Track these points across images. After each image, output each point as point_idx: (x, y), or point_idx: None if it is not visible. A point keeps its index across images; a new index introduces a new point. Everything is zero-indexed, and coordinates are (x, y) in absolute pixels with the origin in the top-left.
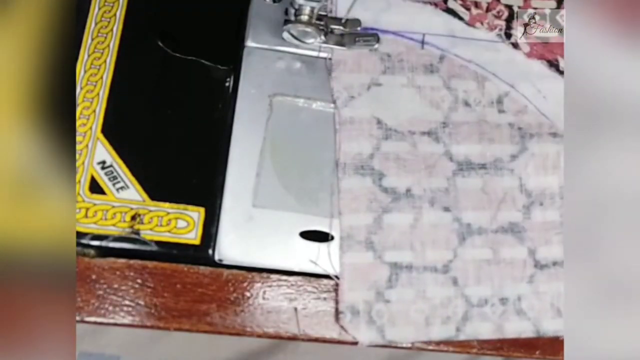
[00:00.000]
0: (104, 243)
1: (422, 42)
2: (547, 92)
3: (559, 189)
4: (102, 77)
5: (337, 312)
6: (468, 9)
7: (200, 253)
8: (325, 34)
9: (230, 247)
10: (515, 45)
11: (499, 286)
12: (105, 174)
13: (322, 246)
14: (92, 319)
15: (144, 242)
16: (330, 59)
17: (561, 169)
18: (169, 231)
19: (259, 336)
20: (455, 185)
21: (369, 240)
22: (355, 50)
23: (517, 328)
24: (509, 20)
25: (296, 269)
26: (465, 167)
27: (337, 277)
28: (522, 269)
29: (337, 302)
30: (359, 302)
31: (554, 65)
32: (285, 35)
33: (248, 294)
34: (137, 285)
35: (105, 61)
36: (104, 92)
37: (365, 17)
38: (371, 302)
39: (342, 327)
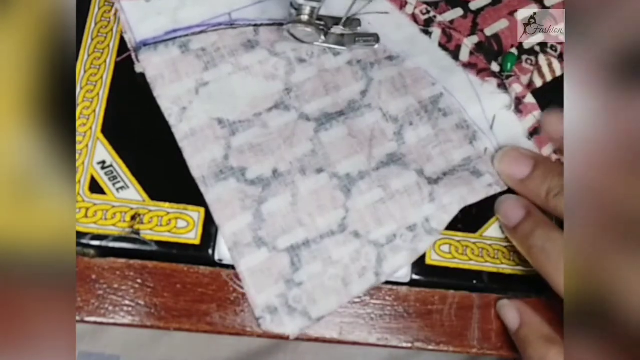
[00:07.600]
0: (104, 243)
1: (231, 23)
2: (370, 18)
3: (419, 104)
4: (102, 77)
5: (257, 320)
6: None
7: (200, 253)
8: (325, 34)
9: None
10: None
11: (402, 217)
12: (105, 174)
13: None
14: (92, 319)
15: (144, 242)
16: (146, 79)
17: (409, 87)
18: (169, 231)
19: (259, 336)
20: (321, 142)
21: (257, 238)
22: (166, 57)
23: (431, 242)
24: None
25: None
26: (325, 120)
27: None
28: (419, 191)
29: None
30: (272, 299)
31: None
32: (285, 35)
33: None
34: (137, 285)
35: (105, 61)
36: (104, 92)
37: (161, 23)
38: (284, 293)
39: (266, 331)
